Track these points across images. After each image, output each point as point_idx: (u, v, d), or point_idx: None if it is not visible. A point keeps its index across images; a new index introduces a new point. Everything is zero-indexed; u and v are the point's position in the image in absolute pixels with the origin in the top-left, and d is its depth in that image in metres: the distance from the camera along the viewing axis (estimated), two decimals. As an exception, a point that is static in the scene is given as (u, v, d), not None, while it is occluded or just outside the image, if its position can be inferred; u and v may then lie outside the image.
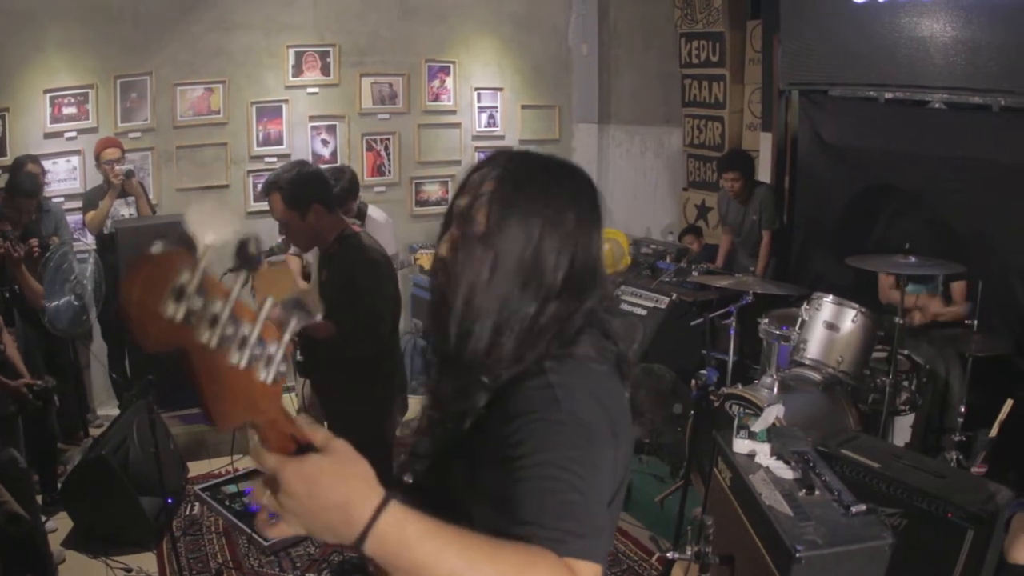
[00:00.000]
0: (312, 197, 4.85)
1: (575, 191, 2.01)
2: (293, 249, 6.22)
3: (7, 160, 7.85)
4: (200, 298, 1.24)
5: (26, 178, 7.06)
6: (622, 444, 1.93)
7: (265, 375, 1.35)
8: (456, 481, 1.94)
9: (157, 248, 1.23)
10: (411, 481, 2.11)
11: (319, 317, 1.44)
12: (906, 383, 6.21)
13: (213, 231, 1.27)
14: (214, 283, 1.27)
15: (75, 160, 8.48)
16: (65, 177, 8.42)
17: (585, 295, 1.97)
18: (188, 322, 1.23)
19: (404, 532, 1.47)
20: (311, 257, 5.76)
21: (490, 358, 1.92)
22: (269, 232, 7.42)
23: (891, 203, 7.29)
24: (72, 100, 8.39)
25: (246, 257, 1.33)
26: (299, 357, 5.19)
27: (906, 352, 6.28)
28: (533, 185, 1.96)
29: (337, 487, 1.46)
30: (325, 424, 5.36)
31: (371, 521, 1.45)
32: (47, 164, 7.95)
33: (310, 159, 9.22)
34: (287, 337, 1.37)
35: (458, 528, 1.54)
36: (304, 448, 1.51)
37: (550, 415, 1.80)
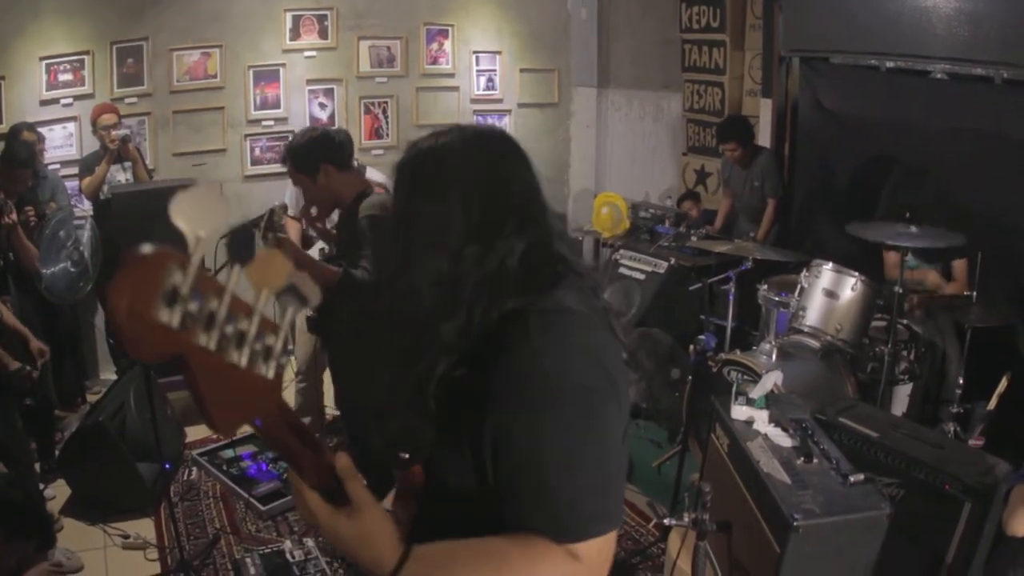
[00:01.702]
0: (320, 157, 4.96)
1: (471, 154, 2.06)
2: (291, 211, 6.23)
3: (3, 128, 7.83)
4: (195, 299, 1.18)
5: (21, 147, 7.03)
6: (622, 389, 1.96)
7: (267, 369, 1.34)
8: (451, 460, 1.97)
9: (145, 249, 1.13)
10: (407, 457, 2.15)
11: (314, 303, 1.43)
12: (905, 352, 6.20)
13: (204, 223, 1.19)
14: (208, 281, 1.21)
15: (71, 127, 8.43)
16: (61, 144, 8.38)
17: (512, 235, 1.98)
18: (184, 326, 1.17)
19: (425, 568, 1.79)
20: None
21: (446, 325, 1.94)
22: (267, 196, 7.42)
23: (892, 172, 7.27)
24: (68, 67, 8.34)
25: (238, 249, 1.30)
26: (310, 313, 5.20)
27: (905, 322, 6.27)
28: (428, 167, 2.04)
29: (359, 549, 1.77)
30: (332, 381, 5.44)
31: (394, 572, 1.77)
32: (43, 131, 7.89)
33: (307, 122, 9.23)
34: (285, 328, 1.36)
35: (467, 554, 1.83)
36: (303, 436, 1.55)
37: (541, 389, 1.82)
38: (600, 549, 1.84)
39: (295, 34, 9.36)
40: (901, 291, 5.86)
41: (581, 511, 1.81)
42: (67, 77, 8.34)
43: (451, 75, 10.37)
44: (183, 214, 1.18)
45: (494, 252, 1.95)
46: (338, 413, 6.72)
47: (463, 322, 1.92)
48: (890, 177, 7.27)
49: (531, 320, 1.87)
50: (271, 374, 1.34)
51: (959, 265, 6.43)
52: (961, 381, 5.91)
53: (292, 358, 5.75)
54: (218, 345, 1.23)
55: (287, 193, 7.05)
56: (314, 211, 5.20)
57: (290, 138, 5.23)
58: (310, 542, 5.69)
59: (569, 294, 1.95)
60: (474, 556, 1.81)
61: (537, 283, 1.94)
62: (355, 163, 7.04)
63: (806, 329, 6.14)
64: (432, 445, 2.04)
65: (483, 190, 1.99)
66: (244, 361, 1.28)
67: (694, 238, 8.01)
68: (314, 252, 6.31)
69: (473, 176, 2.00)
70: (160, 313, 1.13)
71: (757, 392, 4.37)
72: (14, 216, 6.40)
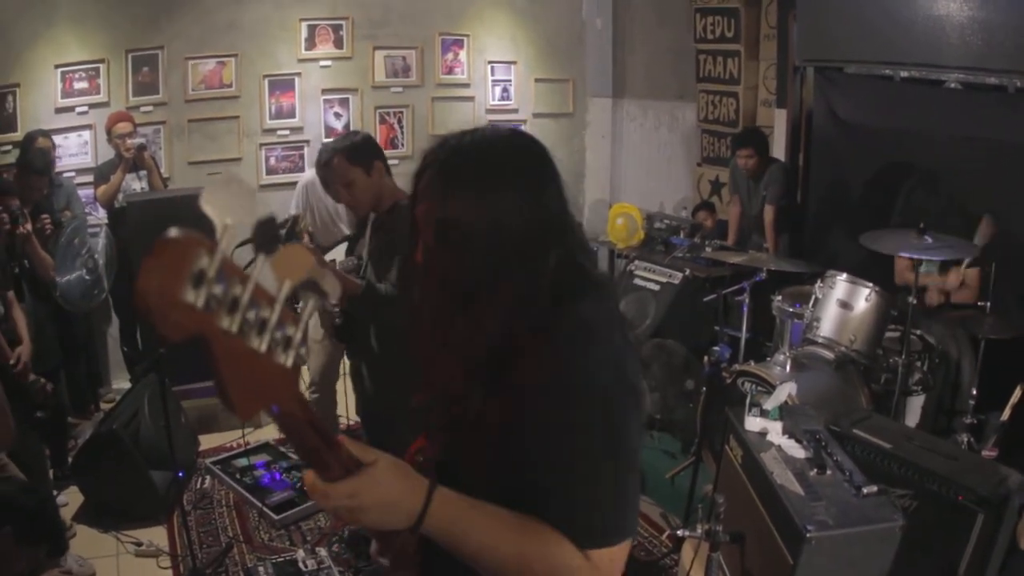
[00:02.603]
0: (373, 155, 5.01)
1: (513, 161, 2.04)
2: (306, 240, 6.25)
3: (18, 136, 7.86)
4: (220, 283, 1.22)
5: (37, 155, 7.06)
6: (642, 400, 1.97)
7: (286, 359, 1.36)
8: (470, 468, 1.96)
9: (174, 233, 1.18)
10: (422, 454, 2.16)
11: (335, 299, 1.47)
12: (919, 363, 6.19)
13: (232, 212, 1.24)
14: (233, 267, 1.25)
15: (86, 135, 8.46)
16: (76, 152, 8.41)
17: (551, 251, 1.97)
18: (209, 308, 1.21)
19: (448, 512, 1.77)
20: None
21: (486, 340, 1.93)
22: (282, 205, 7.43)
23: (906, 182, 7.27)
24: (83, 75, 8.37)
25: (265, 240, 1.32)
26: (338, 321, 5.23)
27: (919, 332, 6.26)
28: (470, 173, 1.98)
29: (389, 491, 1.72)
30: (355, 392, 5.44)
31: (424, 509, 1.74)
32: (58, 139, 7.93)
33: (323, 132, 9.27)
34: (306, 320, 1.39)
35: (490, 507, 1.82)
36: (320, 433, 1.55)
37: (568, 400, 1.84)
38: (613, 558, 1.85)
39: (310, 44, 9.39)
40: (915, 302, 5.86)
41: (601, 521, 1.83)
42: (82, 85, 8.37)
43: (466, 85, 10.38)
44: (213, 202, 1.26)
45: (532, 263, 1.95)
46: (352, 423, 6.73)
47: (494, 335, 1.92)
48: (904, 187, 7.27)
49: (557, 334, 1.88)
50: (289, 363, 1.37)
51: (972, 273, 6.40)
52: (974, 392, 5.90)
53: (306, 368, 5.76)
54: (240, 329, 1.26)
55: (292, 203, 7.09)
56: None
57: (323, 147, 5.24)
58: (323, 551, 5.70)
59: (591, 306, 1.95)
60: (498, 517, 1.81)
61: (562, 296, 1.94)
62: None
63: (820, 340, 6.13)
64: (452, 451, 2.04)
65: (535, 207, 1.98)
66: (264, 347, 1.31)
67: (709, 249, 8.01)
68: (339, 252, 6.33)
69: (523, 195, 1.98)
70: (187, 293, 1.18)
71: (771, 403, 4.36)
72: (29, 226, 6.40)
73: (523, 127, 9.74)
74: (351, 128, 9.53)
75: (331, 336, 5.98)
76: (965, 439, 5.81)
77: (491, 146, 2.05)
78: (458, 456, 1.99)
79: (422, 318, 2.07)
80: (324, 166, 5.16)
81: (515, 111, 10.65)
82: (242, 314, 1.26)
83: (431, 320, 2.03)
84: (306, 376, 6.88)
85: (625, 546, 1.89)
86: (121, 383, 8.43)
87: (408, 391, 2.14)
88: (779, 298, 6.56)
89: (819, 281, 6.24)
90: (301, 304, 1.46)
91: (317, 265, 1.28)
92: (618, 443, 1.86)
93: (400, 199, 5.08)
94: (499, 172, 1.98)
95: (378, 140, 9.20)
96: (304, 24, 9.32)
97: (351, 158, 4.96)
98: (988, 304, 5.91)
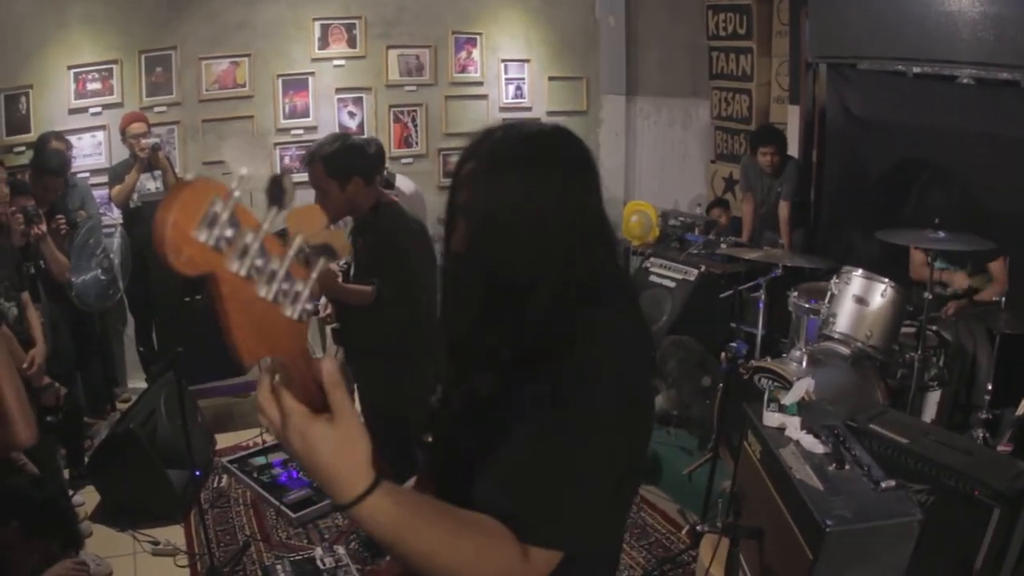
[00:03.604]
0: (353, 169, 4.99)
1: (558, 156, 2.05)
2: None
3: (31, 137, 7.88)
4: (232, 227, 1.27)
5: (53, 155, 7.09)
6: (645, 413, 1.98)
7: (292, 312, 1.39)
8: (469, 449, 1.96)
9: (193, 177, 1.25)
10: (431, 440, 2.15)
11: (344, 260, 1.49)
12: (935, 359, 6.18)
13: (248, 164, 1.29)
14: (246, 214, 1.30)
15: (100, 135, 8.49)
16: (90, 152, 8.44)
17: (588, 252, 1.99)
18: (218, 248, 1.26)
19: (376, 516, 1.59)
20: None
21: (515, 333, 1.94)
22: (297, 204, 7.39)
23: (920, 178, 7.27)
24: (96, 76, 8.41)
25: (277, 194, 1.35)
26: (334, 325, 5.25)
27: (934, 328, 6.25)
28: (516, 162, 2.00)
29: (330, 463, 1.55)
30: (357, 391, 5.46)
31: (352, 503, 1.58)
32: (72, 140, 7.94)
33: (337, 131, 9.25)
34: (315, 276, 1.41)
35: (430, 511, 1.69)
36: (320, 386, 1.56)
37: (568, 394, 1.83)
38: (548, 562, 1.79)
39: (324, 43, 9.40)
40: (931, 297, 5.86)
41: (560, 519, 1.79)
42: (95, 86, 8.40)
43: (480, 83, 10.37)
44: (230, 152, 1.32)
45: (567, 260, 1.96)
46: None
47: (530, 327, 1.93)
48: (918, 182, 7.26)
49: (580, 333, 1.89)
50: (295, 316, 1.40)
51: (996, 266, 6.39)
52: (990, 387, 5.89)
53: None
54: (247, 274, 1.31)
55: None
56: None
57: (318, 142, 5.23)
58: (341, 550, 5.70)
59: (616, 308, 1.98)
60: (438, 513, 1.71)
61: (587, 295, 1.95)
62: (385, 171, 7.10)
63: (836, 336, 6.13)
64: (464, 441, 2.04)
65: (576, 206, 2.00)
66: (269, 296, 1.35)
67: (724, 245, 8.00)
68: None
69: (565, 193, 1.99)
70: (199, 232, 1.24)
71: (789, 399, 4.37)
72: (44, 227, 6.41)
73: (537, 126, 9.76)
74: (364, 127, 9.60)
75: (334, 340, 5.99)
76: (980, 434, 5.80)
77: (535, 140, 2.07)
78: (470, 446, 1.99)
79: (453, 307, 2.08)
80: (308, 164, 5.15)
81: (529, 109, 10.62)
82: (251, 260, 1.30)
83: (464, 310, 2.05)
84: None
85: (558, 557, 1.80)
86: (137, 383, 8.46)
87: (407, 388, 2.16)
88: (795, 294, 6.57)
89: (835, 277, 6.24)
90: (312, 262, 1.48)
91: (329, 225, 1.32)
92: (605, 455, 1.84)
93: (381, 199, 5.11)
94: (543, 165, 1.99)
95: (392, 139, 9.28)
96: (317, 24, 9.33)
97: (329, 170, 4.97)
98: (1003, 299, 5.91)
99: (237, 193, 1.28)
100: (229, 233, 1.27)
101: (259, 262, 1.31)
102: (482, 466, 1.87)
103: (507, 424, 1.86)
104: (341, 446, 1.54)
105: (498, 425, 1.88)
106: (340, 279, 5.16)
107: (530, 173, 1.97)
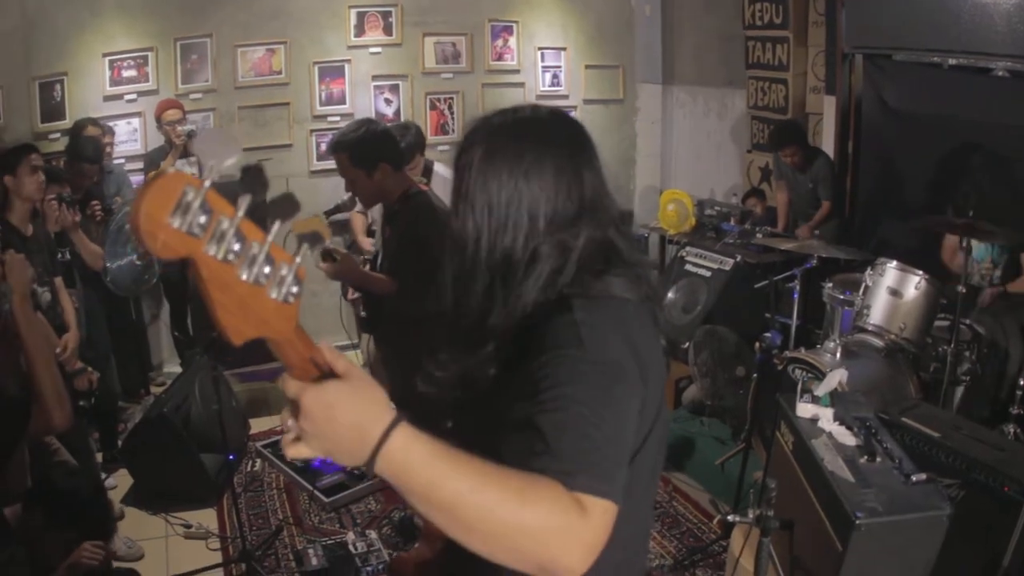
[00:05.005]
0: (379, 156, 4.93)
1: (549, 140, 2.08)
2: (359, 207, 6.28)
3: (66, 124, 7.96)
4: (204, 214, 1.33)
5: (88, 143, 7.13)
6: (652, 385, 1.97)
7: (277, 294, 1.44)
8: (487, 422, 1.96)
9: (165, 170, 1.34)
10: (451, 426, 2.19)
11: (327, 243, 1.52)
12: (967, 353, 6.16)
13: (216, 155, 1.37)
14: (221, 203, 1.36)
15: (136, 122, 8.56)
16: (126, 139, 8.51)
17: (583, 227, 2.03)
18: (192, 233, 1.31)
19: (410, 453, 1.56)
20: (376, 214, 5.79)
21: (507, 309, 2.00)
22: (334, 191, 7.47)
23: (955, 170, 7.21)
24: (131, 63, 8.48)
25: (252, 183, 1.41)
26: (363, 313, 5.25)
27: (968, 322, 6.22)
28: (510, 149, 2.04)
29: (352, 409, 1.56)
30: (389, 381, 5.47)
31: (381, 440, 1.55)
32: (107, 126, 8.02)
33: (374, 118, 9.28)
34: (298, 259, 1.46)
35: (467, 454, 1.61)
36: (328, 375, 1.59)
37: (574, 352, 1.85)
38: (604, 512, 1.67)
39: (360, 30, 9.43)
40: (964, 291, 5.83)
41: (592, 466, 1.70)
42: (131, 73, 8.48)
43: (516, 71, 10.39)
44: (201, 146, 1.37)
45: (562, 239, 2.00)
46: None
47: (514, 306, 1.99)
48: (952, 174, 7.22)
49: (575, 303, 1.93)
50: (280, 298, 1.45)
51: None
52: (1022, 382, 5.86)
53: (358, 351, 5.80)
54: (223, 257, 1.36)
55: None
56: (358, 207, 5.23)
57: (341, 130, 5.20)
58: (373, 534, 5.74)
59: (617, 282, 2.01)
60: (478, 469, 1.60)
61: (587, 270, 2.00)
62: (423, 158, 7.10)
63: (870, 328, 6.11)
64: (465, 416, 2.12)
65: (566, 176, 2.04)
66: (250, 279, 1.40)
67: (759, 235, 7.96)
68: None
69: (559, 174, 2.04)
70: (172, 218, 1.30)
71: (822, 390, 4.36)
72: (78, 217, 6.44)
73: (573, 113, 9.75)
74: (401, 114, 9.64)
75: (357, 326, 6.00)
76: (1011, 429, 5.78)
77: (532, 125, 2.12)
78: (474, 431, 1.98)
79: (453, 291, 2.10)
80: (332, 153, 5.12)
81: (565, 97, 10.63)
82: (227, 245, 1.36)
83: (464, 292, 2.07)
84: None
85: (613, 511, 1.69)
86: (172, 367, 8.53)
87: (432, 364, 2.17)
88: (830, 285, 6.54)
89: (869, 269, 6.21)
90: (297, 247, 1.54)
91: (324, 218, 1.40)
92: (615, 408, 1.81)
93: (411, 188, 5.09)
94: (539, 150, 2.04)
95: (428, 126, 9.29)
96: (353, 11, 9.37)
97: (354, 159, 4.93)
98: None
99: (207, 183, 1.33)
100: (203, 219, 1.32)
101: (236, 246, 1.37)
102: (502, 443, 1.83)
103: (514, 392, 1.88)
104: (356, 390, 1.57)
105: (510, 406, 1.87)
106: (367, 268, 5.18)
107: (524, 159, 2.02)
